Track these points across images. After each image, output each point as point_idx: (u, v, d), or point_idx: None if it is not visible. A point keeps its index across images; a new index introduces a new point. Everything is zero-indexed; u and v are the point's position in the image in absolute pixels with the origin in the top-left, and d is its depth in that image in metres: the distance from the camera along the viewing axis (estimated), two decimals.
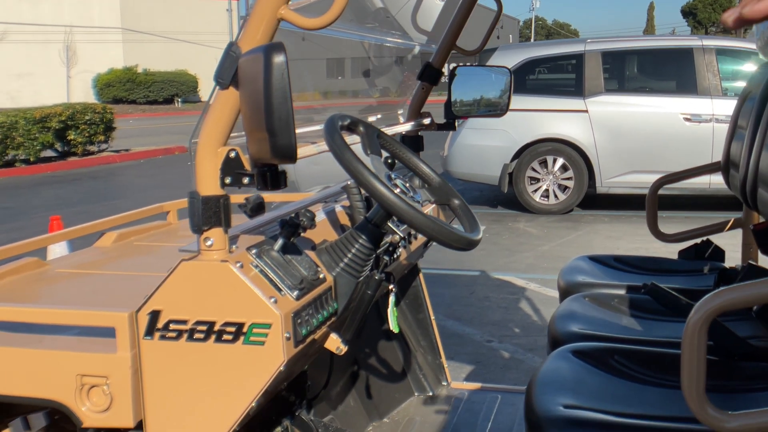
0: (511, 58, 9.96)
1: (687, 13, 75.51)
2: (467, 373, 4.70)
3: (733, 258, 3.33)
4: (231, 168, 1.62)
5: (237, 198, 1.73)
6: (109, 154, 18.30)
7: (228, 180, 1.63)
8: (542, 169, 10.07)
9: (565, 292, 3.08)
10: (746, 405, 1.64)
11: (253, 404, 1.66)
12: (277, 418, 2.17)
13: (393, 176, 1.95)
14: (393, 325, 2.15)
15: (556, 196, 10.13)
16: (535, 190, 10.15)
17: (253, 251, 1.70)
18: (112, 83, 37.40)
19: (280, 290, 1.67)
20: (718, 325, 2.24)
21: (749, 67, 9.39)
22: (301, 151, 1.50)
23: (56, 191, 13.34)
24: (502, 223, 9.68)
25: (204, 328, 1.65)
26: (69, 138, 17.21)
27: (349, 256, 1.89)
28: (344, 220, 2.18)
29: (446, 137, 10.51)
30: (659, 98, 9.80)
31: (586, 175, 9.91)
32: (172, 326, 1.66)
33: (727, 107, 9.10)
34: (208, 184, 1.62)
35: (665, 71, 10.17)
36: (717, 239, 3.36)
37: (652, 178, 3.56)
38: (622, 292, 2.95)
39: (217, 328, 1.64)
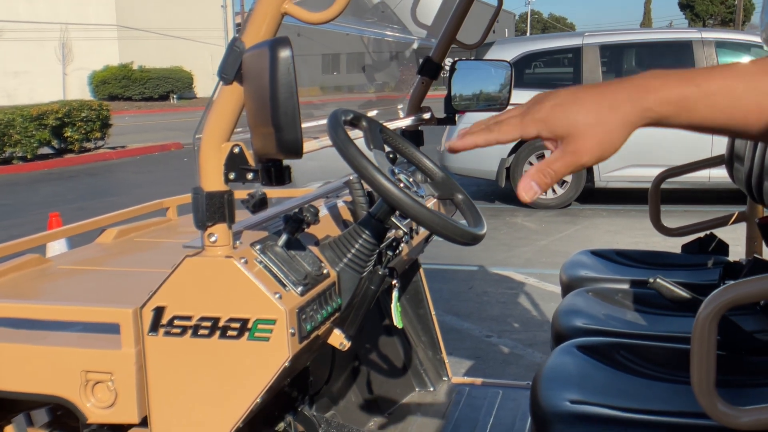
0: (508, 53, 9.95)
1: (684, 5, 75.42)
2: (467, 369, 4.69)
3: (735, 252, 3.33)
4: (235, 163, 1.61)
5: (238, 194, 1.72)
6: (106, 151, 18.29)
7: (232, 176, 1.62)
8: None
9: (567, 287, 3.07)
10: (755, 400, 1.63)
11: (258, 400, 1.65)
12: (280, 413, 2.16)
13: (396, 171, 1.94)
14: (397, 321, 2.14)
15: (554, 190, 10.12)
16: None
17: (257, 247, 1.69)
18: (107, 80, 37.36)
19: (284, 286, 1.66)
20: (726, 319, 2.23)
21: (748, 59, 9.36)
22: (305, 146, 1.49)
23: (53, 188, 13.33)
24: (500, 217, 9.67)
25: (209, 324, 1.64)
26: (66, 135, 17.21)
27: (353, 251, 1.88)
28: (346, 215, 2.17)
29: (443, 132, 10.50)
30: None
31: (584, 169, 9.87)
32: (176, 322, 1.66)
33: None
34: (212, 179, 1.61)
35: (664, 64, 10.11)
36: (718, 233, 3.35)
37: (651, 171, 3.56)
38: (625, 286, 2.94)
39: (221, 324, 1.63)
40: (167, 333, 1.67)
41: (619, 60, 10.54)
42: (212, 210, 1.62)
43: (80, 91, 36.22)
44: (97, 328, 1.83)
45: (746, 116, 0.97)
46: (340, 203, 2.21)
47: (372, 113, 3.07)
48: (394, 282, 2.07)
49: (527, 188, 1.05)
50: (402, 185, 1.87)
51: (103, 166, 16.55)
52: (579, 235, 8.60)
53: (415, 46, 3.44)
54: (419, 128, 3.07)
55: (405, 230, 2.00)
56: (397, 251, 2.13)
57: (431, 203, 2.50)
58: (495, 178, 10.13)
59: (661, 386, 2.08)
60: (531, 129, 1.04)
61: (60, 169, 16.06)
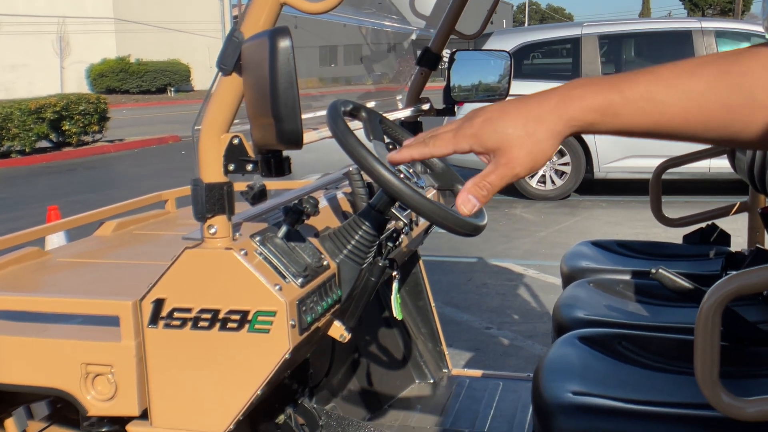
0: (506, 43, 9.93)
1: None
2: (467, 360, 4.68)
3: (736, 243, 3.32)
4: (234, 155, 1.60)
5: (238, 186, 1.71)
6: (104, 144, 18.29)
7: (231, 167, 1.61)
8: None
9: (568, 278, 3.07)
10: (759, 390, 1.62)
11: (258, 392, 1.65)
12: (281, 405, 2.16)
13: None
14: (397, 312, 2.13)
15: (553, 181, 10.11)
16: (532, 176, 10.10)
17: (257, 239, 1.69)
18: (105, 73, 37.36)
19: (284, 278, 1.66)
20: (728, 310, 2.22)
21: None
22: (304, 137, 1.47)
23: (52, 181, 13.33)
24: (499, 209, 9.66)
25: (208, 316, 1.63)
26: (64, 128, 17.24)
27: (353, 242, 1.88)
28: (346, 206, 2.17)
29: (443, 123, 10.47)
30: None
31: (583, 160, 9.88)
32: (176, 314, 1.65)
33: None
34: (212, 171, 1.60)
35: (664, 54, 10.09)
36: (719, 223, 3.34)
37: (650, 162, 3.55)
38: (626, 277, 2.93)
39: (221, 316, 1.63)
40: (167, 325, 1.66)
41: (618, 50, 10.52)
42: (212, 201, 1.61)
43: (78, 84, 36.20)
44: (97, 320, 1.82)
45: (671, 120, 0.97)
46: (339, 194, 2.20)
47: (371, 104, 3.06)
48: (394, 273, 2.07)
49: (465, 202, 1.07)
50: (402, 176, 1.86)
51: (101, 160, 16.54)
52: (578, 227, 8.60)
53: (413, 36, 3.43)
54: (418, 119, 3.06)
55: (405, 221, 1.99)
56: (397, 242, 2.12)
57: (431, 194, 2.49)
58: None
59: (663, 377, 2.07)
60: (463, 144, 1.06)
61: (58, 163, 16.07)
